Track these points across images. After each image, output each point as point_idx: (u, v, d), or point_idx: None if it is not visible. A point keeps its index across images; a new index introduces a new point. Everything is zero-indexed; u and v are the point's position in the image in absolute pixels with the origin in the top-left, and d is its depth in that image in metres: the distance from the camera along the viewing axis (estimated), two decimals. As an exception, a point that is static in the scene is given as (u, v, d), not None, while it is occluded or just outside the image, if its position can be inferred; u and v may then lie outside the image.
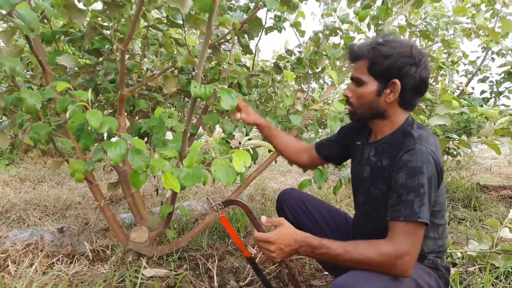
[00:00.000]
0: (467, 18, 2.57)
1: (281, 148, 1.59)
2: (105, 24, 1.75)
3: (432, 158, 1.04)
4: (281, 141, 1.58)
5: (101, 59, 1.87)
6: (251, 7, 1.78)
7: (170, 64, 1.82)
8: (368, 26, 2.11)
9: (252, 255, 1.34)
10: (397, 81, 1.12)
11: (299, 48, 2.23)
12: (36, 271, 1.52)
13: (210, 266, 1.73)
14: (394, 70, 1.11)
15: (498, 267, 1.82)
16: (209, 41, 1.19)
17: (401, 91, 1.13)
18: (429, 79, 1.16)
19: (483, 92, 4.03)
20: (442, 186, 1.15)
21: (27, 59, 2.03)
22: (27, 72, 1.97)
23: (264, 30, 1.82)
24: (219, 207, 1.31)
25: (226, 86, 1.83)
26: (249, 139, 1.25)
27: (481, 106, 3.24)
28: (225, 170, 1.07)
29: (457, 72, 4.10)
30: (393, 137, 1.18)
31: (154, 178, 3.13)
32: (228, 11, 1.90)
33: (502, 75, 3.85)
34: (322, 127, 2.19)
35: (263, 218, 1.13)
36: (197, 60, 1.28)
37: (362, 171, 1.27)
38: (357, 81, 1.18)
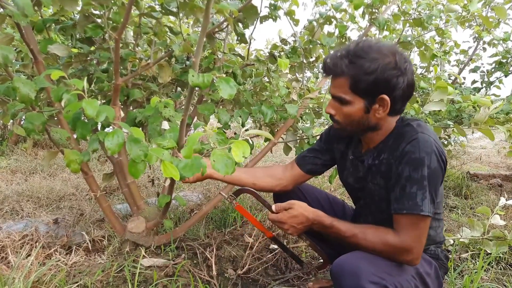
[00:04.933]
0: (460, 7, 2.58)
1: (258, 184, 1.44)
2: (97, 12, 1.71)
3: (436, 148, 1.02)
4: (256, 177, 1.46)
5: (93, 48, 1.83)
6: (246, -5, 1.76)
7: (164, 53, 1.80)
8: (363, 15, 2.10)
9: (275, 234, 1.39)
10: (385, 96, 1.04)
11: (294, 37, 2.22)
12: (34, 262, 1.50)
13: (208, 255, 1.74)
14: (380, 86, 1.02)
15: (490, 253, 1.86)
16: (206, 28, 1.17)
17: (391, 104, 1.05)
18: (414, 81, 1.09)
19: (474, 82, 4.07)
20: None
21: (16, 48, 1.98)
22: (17, 62, 1.93)
23: (259, 18, 1.80)
24: (232, 197, 1.38)
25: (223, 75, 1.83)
26: (246, 130, 1.25)
27: (473, 95, 3.27)
28: (224, 160, 1.06)
29: (449, 62, 4.12)
30: (387, 139, 1.14)
31: (150, 168, 3.12)
32: (223, -1, 1.87)
33: (493, 65, 3.89)
34: (317, 117, 2.20)
35: (273, 207, 1.19)
36: (194, 49, 1.27)
37: (361, 180, 1.24)
38: (340, 100, 1.09)
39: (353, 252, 1.05)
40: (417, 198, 1.00)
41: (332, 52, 1.14)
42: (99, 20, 1.68)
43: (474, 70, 4.04)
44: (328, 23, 2.08)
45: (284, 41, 2.20)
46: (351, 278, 0.96)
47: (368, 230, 1.08)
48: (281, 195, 1.50)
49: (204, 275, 1.61)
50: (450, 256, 1.79)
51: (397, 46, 1.08)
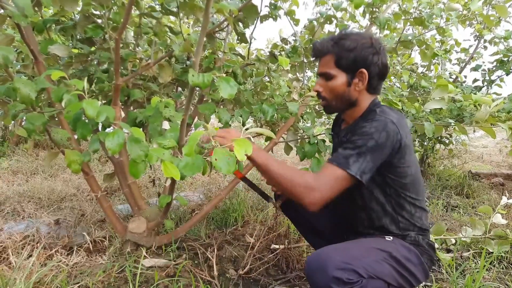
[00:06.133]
0: (461, 6, 2.57)
1: None
2: (97, 12, 1.71)
3: (390, 128, 1.12)
4: None
5: (93, 48, 1.83)
6: (246, -6, 1.76)
7: (165, 53, 1.80)
8: (363, 14, 2.10)
9: (246, 175, 1.48)
10: (364, 70, 1.21)
11: (294, 36, 2.21)
12: (35, 262, 1.50)
13: (209, 256, 1.73)
14: (359, 61, 1.20)
15: (492, 253, 1.85)
16: (207, 28, 1.17)
17: (368, 78, 1.22)
18: (388, 64, 1.26)
19: (475, 80, 4.06)
20: (410, 160, 1.20)
21: (17, 49, 1.98)
22: (17, 63, 1.93)
23: (259, 18, 1.80)
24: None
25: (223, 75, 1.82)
26: (247, 129, 1.25)
27: (474, 94, 3.27)
28: (225, 159, 1.06)
29: (450, 60, 4.12)
30: (361, 118, 1.27)
31: (151, 168, 3.12)
32: (223, -1, 1.87)
33: (494, 63, 3.88)
34: (318, 116, 2.19)
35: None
36: (194, 49, 1.27)
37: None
38: (326, 76, 1.25)
39: (322, 248, 1.11)
40: (351, 159, 1.10)
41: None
42: (99, 21, 1.68)
43: (475, 69, 4.03)
44: (328, 22, 2.07)
45: (284, 41, 2.19)
46: (320, 272, 1.02)
47: (291, 167, 1.17)
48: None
49: (205, 276, 1.60)
50: (452, 255, 1.78)
51: (373, 33, 1.28)
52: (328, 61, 1.24)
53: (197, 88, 1.42)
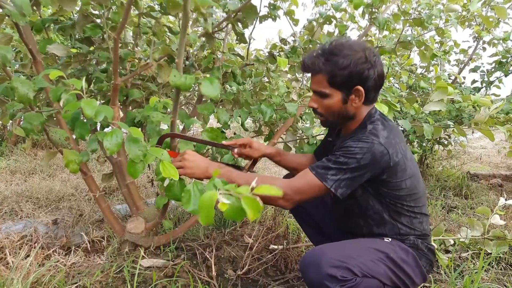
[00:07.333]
0: (460, 7, 2.57)
1: (293, 168, 1.55)
2: (96, 12, 1.71)
3: (377, 150, 1.09)
4: (291, 162, 1.56)
5: (92, 48, 1.83)
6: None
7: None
8: (362, 14, 2.10)
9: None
10: (359, 87, 1.16)
11: (293, 37, 2.21)
12: (33, 262, 1.50)
13: (207, 256, 1.73)
14: (354, 78, 1.14)
15: (490, 253, 1.85)
16: (187, 27, 1.15)
17: (365, 93, 1.17)
18: (384, 72, 1.21)
19: (474, 81, 4.07)
20: (405, 174, 1.18)
21: (15, 49, 1.98)
22: (16, 62, 1.92)
23: (258, 18, 1.80)
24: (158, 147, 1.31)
25: (221, 76, 1.81)
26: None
27: (473, 95, 3.27)
28: (237, 211, 0.75)
29: (449, 61, 4.12)
30: (355, 130, 1.24)
31: (149, 168, 3.11)
32: (222, -1, 1.87)
33: (493, 64, 3.88)
34: (316, 116, 2.18)
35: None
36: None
37: None
38: (320, 94, 1.20)
39: (318, 246, 1.12)
40: (329, 172, 1.10)
41: (309, 52, 1.25)
42: (98, 20, 1.68)
43: (474, 70, 4.03)
44: (328, 22, 2.07)
45: (283, 41, 2.19)
46: (314, 268, 1.03)
47: (265, 177, 1.19)
48: None
49: (203, 276, 1.60)
50: (450, 255, 1.78)
51: (365, 42, 1.20)
52: (320, 80, 1.18)
53: (196, 89, 1.42)
